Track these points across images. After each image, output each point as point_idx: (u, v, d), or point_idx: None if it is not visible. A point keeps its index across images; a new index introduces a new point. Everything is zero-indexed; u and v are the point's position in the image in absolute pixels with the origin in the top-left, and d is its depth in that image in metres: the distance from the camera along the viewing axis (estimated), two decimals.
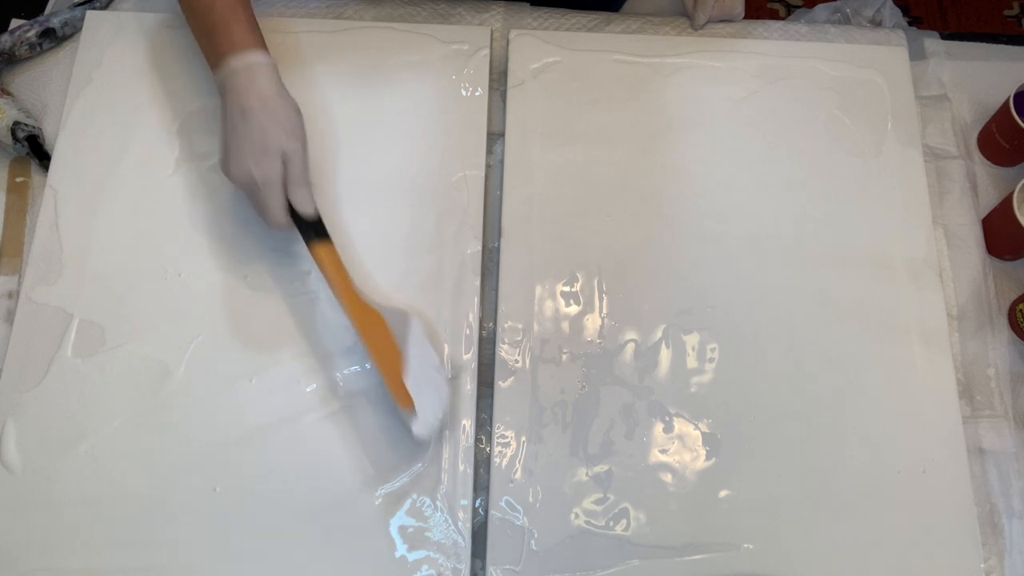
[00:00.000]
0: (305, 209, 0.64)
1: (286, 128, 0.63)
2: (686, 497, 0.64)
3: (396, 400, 0.61)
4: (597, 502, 0.63)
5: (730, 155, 0.75)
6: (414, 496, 0.63)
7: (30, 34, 0.76)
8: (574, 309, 0.69)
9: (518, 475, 0.64)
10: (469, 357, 0.67)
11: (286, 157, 0.62)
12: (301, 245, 0.66)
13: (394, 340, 0.63)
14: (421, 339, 0.63)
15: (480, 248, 0.70)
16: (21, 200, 0.73)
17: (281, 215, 0.63)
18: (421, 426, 0.60)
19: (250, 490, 0.63)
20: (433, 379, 0.62)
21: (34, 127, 0.73)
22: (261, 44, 0.65)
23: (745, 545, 0.63)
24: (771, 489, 0.64)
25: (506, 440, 0.65)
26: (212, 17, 0.65)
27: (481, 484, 0.65)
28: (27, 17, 0.79)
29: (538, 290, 0.69)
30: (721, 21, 0.81)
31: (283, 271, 0.69)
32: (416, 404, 0.60)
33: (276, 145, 0.61)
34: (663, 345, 0.68)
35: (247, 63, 0.63)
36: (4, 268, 0.70)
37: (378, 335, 0.63)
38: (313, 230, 0.64)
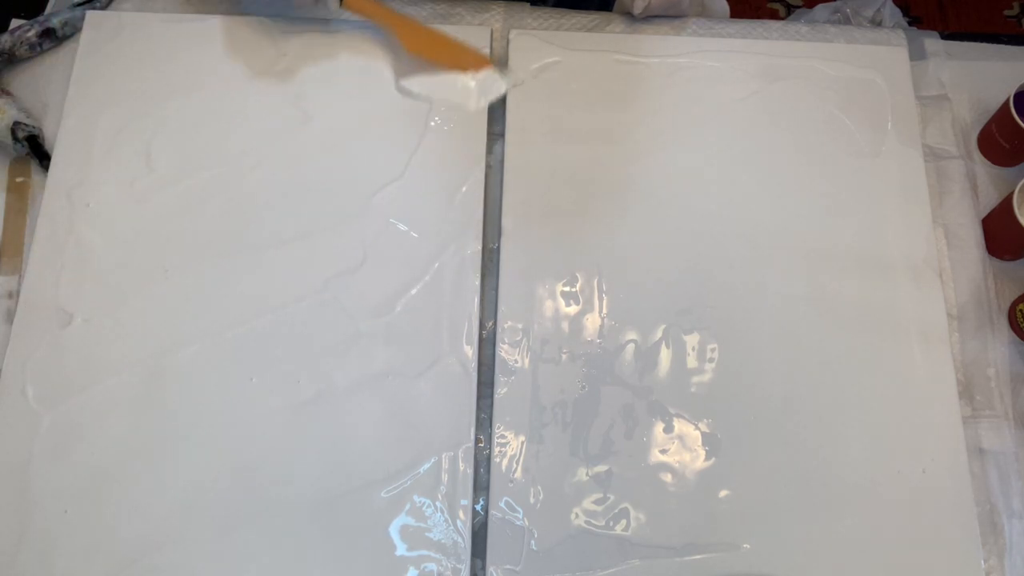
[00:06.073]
0: None
1: None
2: (686, 497, 0.64)
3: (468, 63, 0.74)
4: (597, 502, 0.63)
5: (730, 155, 0.75)
6: (414, 496, 0.63)
7: (30, 34, 0.76)
8: (574, 309, 0.69)
9: (518, 475, 0.64)
10: (469, 357, 0.67)
11: None
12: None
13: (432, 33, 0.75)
14: None
15: (480, 248, 0.70)
16: (21, 200, 0.73)
17: None
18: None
19: (250, 490, 0.63)
20: None
21: (34, 127, 0.73)
22: None
23: (745, 545, 0.63)
24: (771, 489, 0.64)
25: (506, 440, 0.65)
26: None
27: (481, 484, 0.65)
28: (27, 17, 0.79)
29: (538, 290, 0.69)
30: (666, 16, 0.80)
31: (283, 271, 0.69)
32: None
33: None
34: (663, 345, 0.68)
35: None
36: (4, 268, 0.70)
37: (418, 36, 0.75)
38: None
